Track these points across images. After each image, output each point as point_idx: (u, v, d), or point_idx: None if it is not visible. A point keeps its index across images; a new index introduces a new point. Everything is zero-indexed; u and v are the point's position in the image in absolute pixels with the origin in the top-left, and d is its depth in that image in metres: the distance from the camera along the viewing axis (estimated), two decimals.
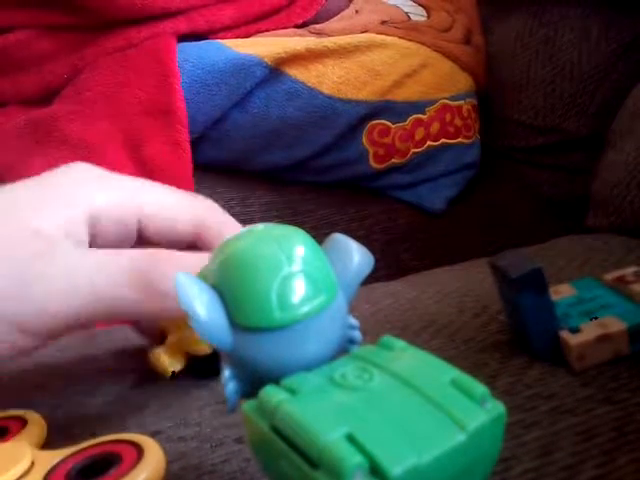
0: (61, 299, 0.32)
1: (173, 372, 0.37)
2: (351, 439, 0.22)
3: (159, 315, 0.34)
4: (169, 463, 0.32)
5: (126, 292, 0.32)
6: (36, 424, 0.33)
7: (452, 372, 0.24)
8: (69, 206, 0.34)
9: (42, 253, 0.32)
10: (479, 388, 0.24)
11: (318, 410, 0.23)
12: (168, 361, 0.37)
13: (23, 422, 0.33)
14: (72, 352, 0.44)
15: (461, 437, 0.22)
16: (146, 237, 0.36)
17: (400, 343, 0.26)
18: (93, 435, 0.31)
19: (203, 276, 0.27)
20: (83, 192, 0.34)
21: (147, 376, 0.39)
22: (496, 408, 0.24)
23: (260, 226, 0.27)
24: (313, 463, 0.22)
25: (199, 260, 0.30)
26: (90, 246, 0.34)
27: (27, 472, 0.29)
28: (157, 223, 0.36)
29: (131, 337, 0.42)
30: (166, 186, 0.38)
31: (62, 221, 0.33)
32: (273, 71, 0.71)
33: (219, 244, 0.27)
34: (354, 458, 0.21)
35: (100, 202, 0.34)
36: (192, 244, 0.37)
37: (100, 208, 0.34)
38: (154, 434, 0.35)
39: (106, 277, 0.32)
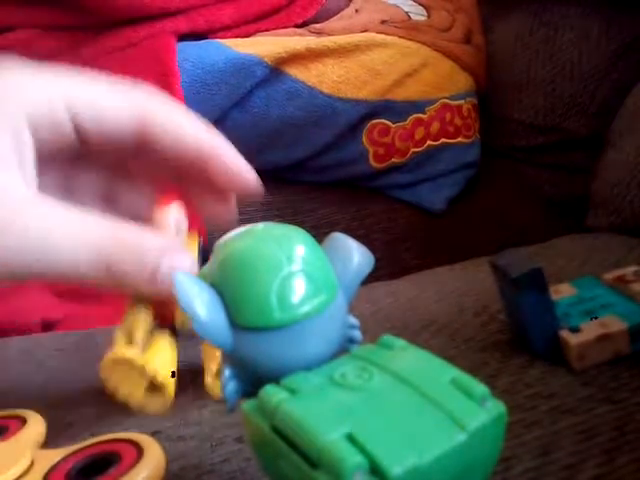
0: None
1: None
2: (351, 439, 0.22)
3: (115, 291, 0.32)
4: (169, 462, 0.32)
5: (84, 267, 0.30)
6: (36, 423, 0.33)
7: (452, 371, 0.24)
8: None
9: None
10: (479, 388, 0.23)
11: (318, 410, 0.23)
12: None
13: (23, 421, 0.33)
14: (71, 351, 0.44)
15: (461, 437, 0.22)
16: (86, 138, 0.33)
17: (400, 342, 0.26)
18: (93, 435, 0.31)
19: (203, 276, 0.26)
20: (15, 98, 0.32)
21: None
22: (496, 408, 0.23)
23: (260, 226, 0.27)
24: (313, 463, 0.22)
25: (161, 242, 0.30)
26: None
27: (27, 471, 0.29)
28: (91, 118, 0.33)
29: None
30: (101, 79, 0.34)
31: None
32: (273, 71, 0.71)
33: (169, 132, 0.27)
34: (354, 458, 0.21)
35: (38, 110, 0.32)
36: (139, 138, 0.34)
37: (39, 117, 0.31)
38: (154, 433, 0.35)
39: (71, 245, 0.30)
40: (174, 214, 0.35)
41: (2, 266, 0.29)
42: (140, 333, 0.33)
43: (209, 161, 0.36)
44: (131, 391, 0.33)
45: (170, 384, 0.33)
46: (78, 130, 0.33)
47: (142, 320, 0.33)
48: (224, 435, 0.34)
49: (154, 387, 0.33)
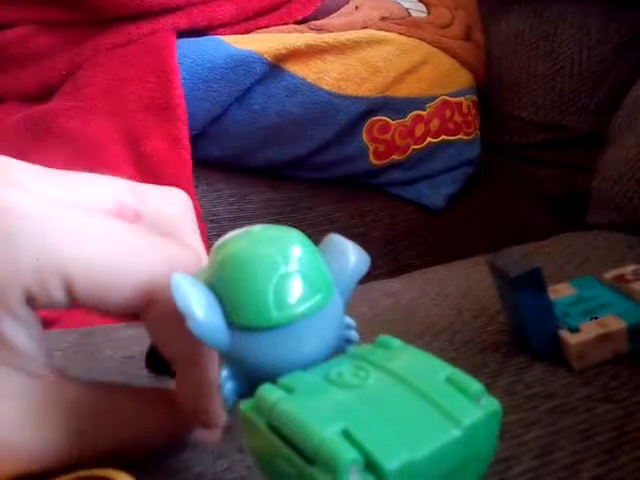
0: None
1: (173, 371, 0.37)
2: (347, 435, 0.22)
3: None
4: (172, 474, 0.32)
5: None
6: None
7: (447, 369, 0.25)
8: None
9: None
10: (474, 385, 0.24)
11: (314, 408, 0.23)
12: None
13: None
14: (70, 355, 0.44)
15: (456, 433, 0.22)
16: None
17: (396, 342, 0.26)
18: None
19: (200, 276, 0.27)
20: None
21: (147, 382, 0.39)
22: (491, 404, 0.24)
23: (257, 227, 0.27)
24: (309, 460, 0.22)
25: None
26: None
27: None
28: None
29: (130, 340, 0.42)
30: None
31: None
32: (273, 67, 0.71)
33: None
34: (349, 454, 0.21)
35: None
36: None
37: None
38: None
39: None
40: None
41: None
42: None
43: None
44: None
45: None
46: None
47: None
48: (226, 444, 0.34)
49: None
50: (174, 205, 0.32)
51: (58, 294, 0.27)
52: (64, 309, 0.28)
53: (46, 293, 0.27)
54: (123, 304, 0.28)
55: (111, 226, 0.28)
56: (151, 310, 0.28)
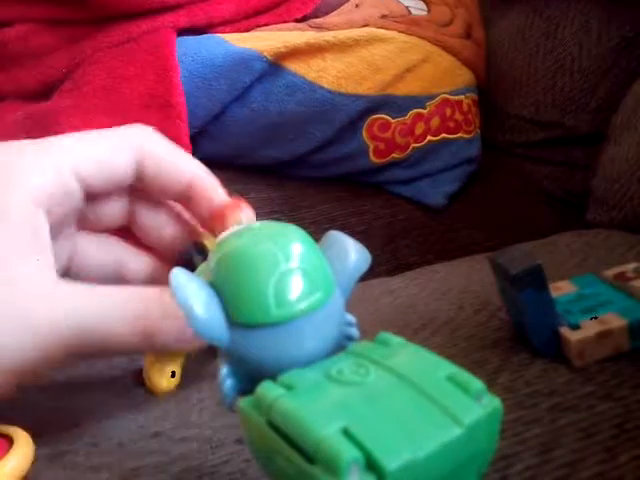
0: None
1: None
2: (347, 434, 0.22)
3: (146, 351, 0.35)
4: (169, 464, 0.32)
5: (121, 332, 0.32)
6: (23, 444, 0.33)
7: (449, 368, 0.25)
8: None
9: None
10: (475, 383, 0.24)
11: (314, 405, 0.23)
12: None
13: (10, 442, 0.33)
14: None
15: (457, 431, 0.22)
16: (92, 191, 0.36)
17: (397, 339, 0.26)
18: None
19: (200, 273, 0.27)
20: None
21: None
22: (492, 403, 0.24)
23: (257, 224, 0.27)
24: (309, 458, 0.22)
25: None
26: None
27: None
28: (99, 178, 0.35)
29: None
30: (102, 135, 0.38)
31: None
32: (273, 65, 0.71)
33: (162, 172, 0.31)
34: (350, 452, 0.21)
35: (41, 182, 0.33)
36: (139, 177, 0.37)
37: (45, 188, 0.33)
38: (154, 435, 0.35)
39: (115, 319, 0.32)
40: (247, 214, 0.36)
41: (38, 350, 0.31)
42: None
43: (193, 197, 0.38)
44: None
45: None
46: (86, 190, 0.35)
47: None
48: (224, 437, 0.34)
49: None
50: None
51: None
52: None
53: None
54: None
55: None
56: None
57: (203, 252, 0.37)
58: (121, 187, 0.37)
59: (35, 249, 0.32)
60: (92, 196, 0.36)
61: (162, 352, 0.36)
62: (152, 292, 0.33)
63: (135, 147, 0.37)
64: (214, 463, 0.32)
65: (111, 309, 0.32)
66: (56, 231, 0.34)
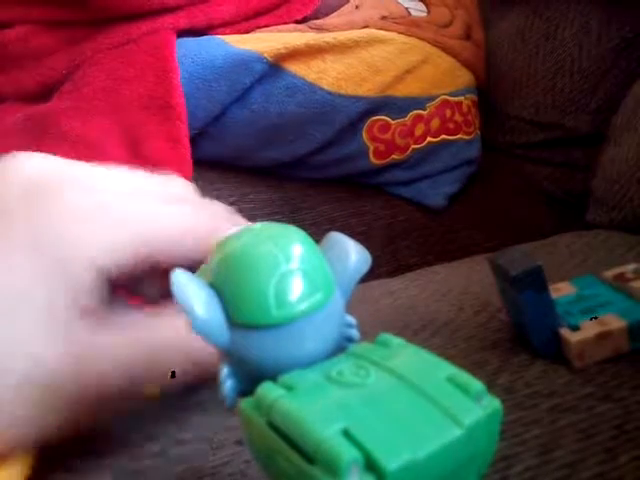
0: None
1: (173, 372, 0.37)
2: (347, 434, 0.22)
3: None
4: (170, 466, 0.32)
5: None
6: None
7: (449, 369, 0.25)
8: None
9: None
10: (475, 384, 0.24)
11: (314, 406, 0.23)
12: None
13: None
14: None
15: (457, 432, 0.22)
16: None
17: (397, 340, 0.26)
18: None
19: (201, 274, 0.27)
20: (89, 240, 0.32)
21: None
22: (492, 404, 0.24)
23: (257, 225, 0.27)
24: (309, 459, 0.22)
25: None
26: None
27: None
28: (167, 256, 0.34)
29: None
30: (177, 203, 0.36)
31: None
32: (273, 67, 0.71)
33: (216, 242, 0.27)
34: (350, 453, 0.21)
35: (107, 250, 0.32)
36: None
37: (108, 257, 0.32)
38: (155, 437, 0.35)
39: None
40: None
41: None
42: None
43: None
44: None
45: None
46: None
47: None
48: (224, 438, 0.34)
49: None
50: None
51: None
52: None
53: None
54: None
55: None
56: None
57: None
58: None
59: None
60: None
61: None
62: None
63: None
64: (214, 464, 0.32)
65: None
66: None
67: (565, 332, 0.35)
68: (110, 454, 0.34)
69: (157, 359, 0.32)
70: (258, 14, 0.80)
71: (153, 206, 0.35)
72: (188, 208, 0.36)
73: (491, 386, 0.23)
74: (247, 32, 0.78)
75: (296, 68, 0.72)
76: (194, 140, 0.70)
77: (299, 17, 0.83)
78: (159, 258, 0.33)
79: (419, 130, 0.76)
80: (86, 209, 0.33)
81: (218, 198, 0.72)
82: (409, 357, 0.26)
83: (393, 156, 0.75)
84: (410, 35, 0.78)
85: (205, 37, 0.75)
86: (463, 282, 0.49)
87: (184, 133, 0.69)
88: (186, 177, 0.67)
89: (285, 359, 0.25)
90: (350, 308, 0.28)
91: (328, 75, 0.72)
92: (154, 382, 0.32)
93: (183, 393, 0.38)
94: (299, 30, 0.79)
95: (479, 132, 0.82)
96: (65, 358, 0.31)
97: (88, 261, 0.31)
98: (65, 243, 0.32)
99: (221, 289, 0.26)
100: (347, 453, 0.21)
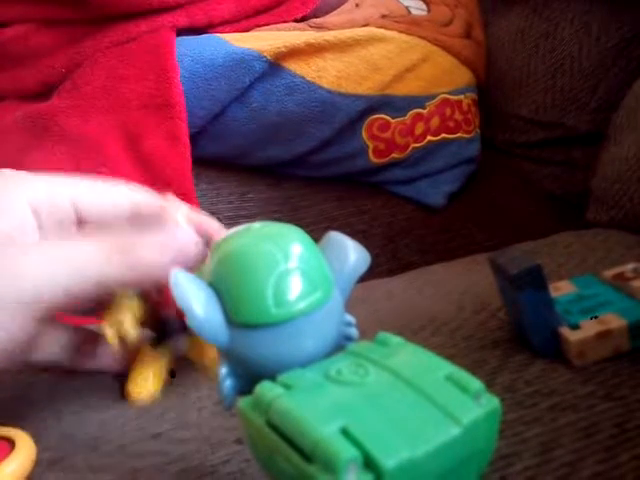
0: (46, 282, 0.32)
1: (173, 371, 0.37)
2: (345, 433, 0.22)
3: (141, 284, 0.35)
4: (170, 465, 0.32)
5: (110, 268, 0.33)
6: (25, 447, 0.33)
7: (447, 367, 0.25)
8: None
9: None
10: (474, 383, 0.24)
11: (313, 405, 0.23)
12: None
13: (11, 444, 0.33)
14: None
15: (455, 431, 0.22)
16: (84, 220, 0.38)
17: (396, 339, 0.26)
18: None
19: (200, 274, 0.26)
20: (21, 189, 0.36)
21: None
22: (490, 402, 0.24)
23: (257, 224, 0.27)
24: (308, 457, 0.22)
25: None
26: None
27: None
28: (93, 214, 0.38)
29: None
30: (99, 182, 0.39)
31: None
32: (272, 65, 0.71)
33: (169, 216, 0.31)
34: (347, 452, 0.21)
35: (38, 195, 0.36)
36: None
37: (38, 200, 0.36)
38: (154, 436, 0.35)
39: (89, 257, 0.33)
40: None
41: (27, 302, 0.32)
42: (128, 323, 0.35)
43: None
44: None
45: None
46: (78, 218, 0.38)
47: (129, 309, 0.36)
48: (224, 437, 0.34)
49: None
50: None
51: None
52: None
53: None
54: None
55: None
56: None
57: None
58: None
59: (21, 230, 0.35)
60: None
61: (152, 279, 0.35)
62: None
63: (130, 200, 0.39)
64: (214, 463, 0.32)
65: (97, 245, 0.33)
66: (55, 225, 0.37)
67: (565, 331, 0.35)
68: (109, 454, 0.34)
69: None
70: (258, 12, 0.80)
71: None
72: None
73: (491, 385, 0.23)
74: (247, 31, 0.78)
75: (296, 67, 0.72)
76: (194, 139, 0.70)
77: (299, 16, 0.82)
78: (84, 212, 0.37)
79: (419, 129, 0.76)
80: None
81: (218, 197, 0.73)
82: (408, 356, 0.26)
83: (393, 155, 0.75)
84: (410, 34, 0.78)
85: (205, 36, 0.75)
86: (463, 281, 0.49)
87: (184, 132, 0.69)
88: (186, 176, 0.68)
89: (284, 358, 0.25)
90: (349, 307, 0.28)
91: (328, 74, 0.72)
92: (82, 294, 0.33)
93: (181, 390, 0.38)
94: (299, 29, 0.79)
95: (479, 131, 0.82)
96: None
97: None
98: None
99: (220, 289, 0.26)
100: (345, 452, 0.21)
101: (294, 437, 0.22)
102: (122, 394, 0.38)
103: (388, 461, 0.21)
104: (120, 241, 0.33)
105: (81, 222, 0.38)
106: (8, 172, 0.37)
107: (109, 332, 0.35)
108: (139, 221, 0.38)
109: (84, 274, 0.32)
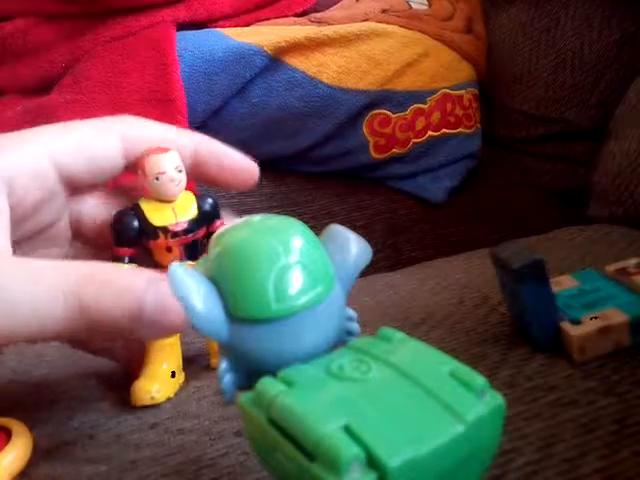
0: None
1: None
2: (348, 430, 0.22)
3: (91, 335, 0.32)
4: (168, 456, 0.32)
5: (60, 311, 0.29)
6: (22, 437, 0.33)
7: (451, 363, 0.24)
8: None
9: None
10: (478, 379, 0.23)
11: (315, 402, 0.23)
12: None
13: (8, 434, 0.33)
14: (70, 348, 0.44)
15: (459, 428, 0.22)
16: (76, 181, 0.35)
17: (399, 334, 0.26)
18: None
19: (199, 267, 0.26)
20: None
21: None
22: (495, 399, 0.23)
23: (257, 217, 0.27)
24: (310, 455, 0.22)
25: (136, 278, 0.29)
26: (12, 214, 0.32)
27: None
28: (80, 163, 0.35)
29: None
30: (82, 123, 0.36)
31: None
32: (273, 60, 0.71)
33: None
34: (351, 449, 0.21)
35: (6, 164, 0.32)
36: (128, 161, 0.36)
37: (9, 170, 0.32)
38: (152, 426, 0.35)
39: (44, 292, 0.29)
40: (172, 159, 0.36)
41: None
42: None
43: (202, 161, 0.38)
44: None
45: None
46: (67, 177, 0.35)
47: None
48: (223, 428, 0.34)
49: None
50: None
51: None
52: None
53: None
54: None
55: None
56: None
57: (138, 212, 0.36)
58: (112, 175, 0.36)
59: None
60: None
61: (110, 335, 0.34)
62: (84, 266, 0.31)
63: (119, 131, 0.37)
64: (213, 455, 0.32)
65: (48, 283, 0.29)
66: (37, 207, 0.34)
67: (566, 326, 0.35)
68: (107, 445, 0.34)
69: None
70: (258, 7, 0.80)
71: None
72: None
73: (491, 380, 0.23)
74: (247, 25, 0.78)
75: (296, 62, 0.72)
76: None
77: (299, 10, 0.82)
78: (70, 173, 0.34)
79: (420, 124, 0.75)
80: None
81: (218, 192, 0.72)
82: (411, 351, 0.25)
83: (394, 150, 0.75)
84: (411, 28, 0.78)
85: (205, 30, 0.75)
86: (463, 276, 0.48)
87: (184, 126, 0.68)
88: None
89: (285, 353, 0.25)
90: (350, 301, 0.27)
91: (328, 69, 0.72)
92: None
93: (182, 383, 0.38)
94: (299, 23, 0.79)
95: (480, 126, 0.82)
96: None
97: None
98: None
99: (220, 282, 0.25)
100: (347, 450, 0.21)
101: (296, 434, 0.22)
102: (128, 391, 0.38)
103: (392, 460, 0.21)
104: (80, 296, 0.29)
105: (69, 184, 0.35)
106: None
107: None
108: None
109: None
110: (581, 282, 0.40)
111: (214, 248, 0.26)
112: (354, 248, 0.27)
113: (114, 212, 0.37)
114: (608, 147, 0.68)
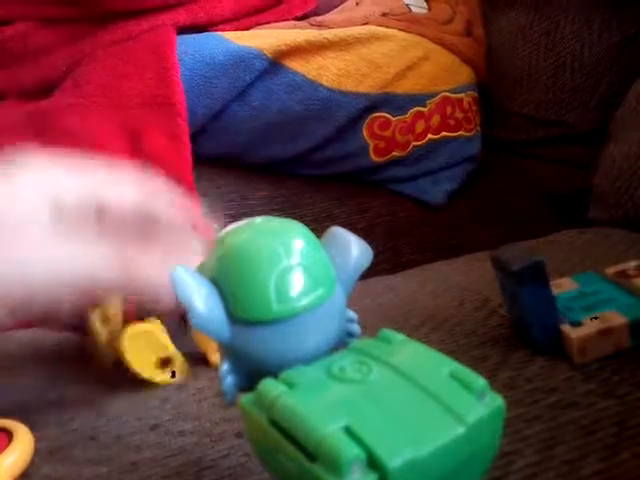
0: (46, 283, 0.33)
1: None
2: (349, 432, 0.22)
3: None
4: (168, 458, 0.32)
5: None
6: (23, 438, 0.33)
7: (451, 365, 0.24)
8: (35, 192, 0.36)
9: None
10: (478, 381, 0.23)
11: (316, 403, 0.23)
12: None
13: (9, 436, 0.33)
14: (71, 349, 0.44)
15: (460, 430, 0.22)
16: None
17: (399, 336, 0.26)
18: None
19: (202, 269, 0.26)
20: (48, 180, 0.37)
21: None
22: (495, 401, 0.24)
23: (258, 219, 0.27)
24: (311, 456, 0.22)
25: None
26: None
27: None
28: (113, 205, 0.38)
29: None
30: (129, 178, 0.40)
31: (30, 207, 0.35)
32: (273, 64, 0.71)
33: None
34: (352, 450, 0.21)
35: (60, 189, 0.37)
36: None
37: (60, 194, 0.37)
38: (153, 427, 0.35)
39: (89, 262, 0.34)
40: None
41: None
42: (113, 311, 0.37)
43: None
44: (143, 364, 0.38)
45: (179, 357, 0.38)
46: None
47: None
48: (224, 430, 0.34)
49: (162, 362, 0.38)
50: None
51: None
52: None
53: None
54: None
55: None
56: None
57: None
58: None
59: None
60: None
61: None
62: None
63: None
64: (214, 457, 0.32)
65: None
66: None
67: (566, 328, 0.35)
68: (108, 446, 0.34)
69: None
70: (258, 11, 0.80)
71: None
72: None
73: (491, 382, 0.23)
74: (247, 29, 0.78)
75: (296, 65, 0.72)
76: (194, 137, 0.70)
77: (299, 14, 0.82)
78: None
79: (419, 127, 0.75)
80: None
81: (219, 195, 0.73)
82: (411, 353, 0.25)
83: (393, 153, 0.75)
84: (411, 32, 0.78)
85: (205, 34, 0.75)
86: (463, 278, 0.48)
87: (184, 130, 0.69)
88: (187, 174, 0.68)
89: (286, 354, 0.25)
90: (351, 303, 0.27)
91: (328, 72, 0.72)
92: None
93: (182, 383, 0.38)
94: (299, 27, 0.79)
95: (479, 129, 0.82)
96: None
97: None
98: None
99: (222, 284, 0.25)
100: (348, 451, 0.21)
101: (297, 435, 0.22)
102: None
103: (393, 461, 0.21)
104: (125, 254, 0.34)
105: (101, 216, 0.38)
106: (39, 161, 0.39)
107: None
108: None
109: (84, 275, 0.33)
110: (581, 284, 0.40)
111: (216, 250, 0.26)
112: (355, 250, 0.27)
113: None
114: (608, 150, 0.68)
